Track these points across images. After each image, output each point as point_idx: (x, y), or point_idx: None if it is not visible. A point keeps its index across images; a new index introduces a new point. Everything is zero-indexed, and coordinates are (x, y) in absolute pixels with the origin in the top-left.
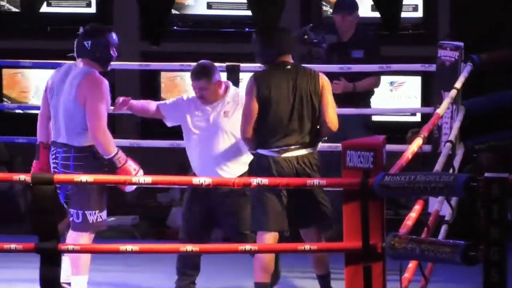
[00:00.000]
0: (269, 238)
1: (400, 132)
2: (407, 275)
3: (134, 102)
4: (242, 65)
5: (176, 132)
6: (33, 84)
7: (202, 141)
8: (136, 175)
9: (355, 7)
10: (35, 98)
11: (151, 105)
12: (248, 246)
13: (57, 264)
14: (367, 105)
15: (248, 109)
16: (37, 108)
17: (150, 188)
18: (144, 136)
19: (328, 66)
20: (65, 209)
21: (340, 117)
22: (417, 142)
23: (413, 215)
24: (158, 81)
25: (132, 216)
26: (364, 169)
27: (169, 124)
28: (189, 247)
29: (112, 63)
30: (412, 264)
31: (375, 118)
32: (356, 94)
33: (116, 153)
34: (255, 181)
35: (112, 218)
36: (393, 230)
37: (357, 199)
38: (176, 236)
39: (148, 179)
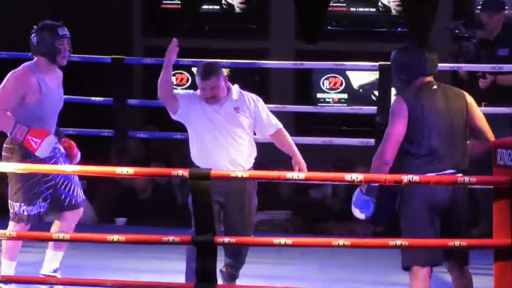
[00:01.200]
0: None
1: None
2: None
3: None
4: None
5: (329, 130)
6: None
7: (216, 137)
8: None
9: (502, 6)
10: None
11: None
12: (398, 241)
13: (213, 256)
14: None
15: (395, 131)
16: None
17: (303, 184)
18: (299, 133)
19: (480, 66)
20: None
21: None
22: None
23: None
24: (312, 80)
25: (285, 211)
26: None
27: (175, 116)
28: (340, 241)
29: (267, 62)
30: None
31: None
32: (501, 93)
33: (14, 127)
34: (406, 178)
35: (266, 213)
36: None
37: (507, 197)
38: (329, 230)
39: (302, 175)
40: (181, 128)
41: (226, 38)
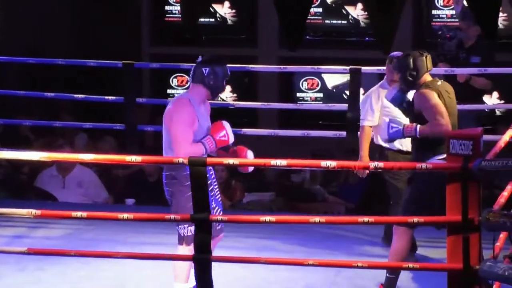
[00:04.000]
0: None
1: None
2: (498, 244)
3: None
4: (363, 68)
5: (307, 124)
6: None
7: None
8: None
9: None
10: None
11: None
12: (366, 218)
13: (209, 232)
14: (481, 102)
15: (444, 109)
16: None
17: (285, 169)
18: (282, 127)
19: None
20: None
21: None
22: (509, 133)
23: (505, 194)
24: (293, 81)
25: (270, 192)
26: (465, 155)
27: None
28: (317, 219)
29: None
30: (503, 235)
31: None
32: (470, 92)
33: (205, 147)
34: (372, 164)
35: (254, 195)
36: (488, 206)
37: (458, 181)
38: (307, 209)
39: (284, 162)
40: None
41: (220, 46)
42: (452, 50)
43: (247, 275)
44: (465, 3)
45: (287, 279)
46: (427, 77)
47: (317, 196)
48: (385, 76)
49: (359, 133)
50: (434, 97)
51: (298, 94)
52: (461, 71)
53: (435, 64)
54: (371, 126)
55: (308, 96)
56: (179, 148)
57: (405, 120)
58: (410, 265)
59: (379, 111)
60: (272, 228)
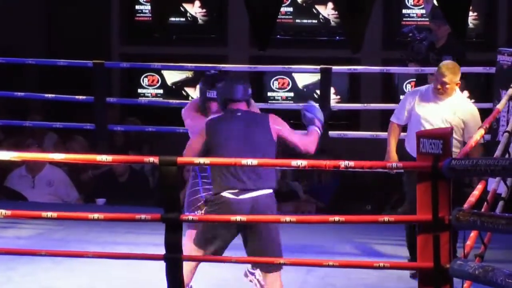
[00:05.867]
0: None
1: None
2: (469, 242)
3: None
4: (333, 67)
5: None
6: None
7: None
8: None
9: None
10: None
11: None
12: (337, 218)
13: (179, 232)
14: None
15: None
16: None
17: None
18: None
19: (407, 68)
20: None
21: None
22: (480, 132)
23: (475, 193)
24: (263, 81)
25: None
26: (435, 154)
27: None
28: (287, 218)
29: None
30: (473, 234)
31: None
32: None
33: None
34: (343, 163)
35: None
36: (458, 205)
37: (428, 180)
38: (279, 208)
39: (255, 161)
40: (153, 122)
41: (190, 45)
42: (422, 52)
43: (218, 273)
44: (435, 2)
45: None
46: None
47: (295, 192)
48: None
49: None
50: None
51: (269, 94)
52: (431, 70)
53: (405, 64)
54: (398, 125)
55: (279, 96)
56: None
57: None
58: (381, 264)
59: (408, 112)
60: None
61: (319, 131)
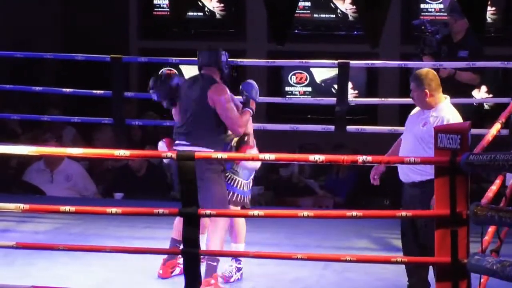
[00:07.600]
0: None
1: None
2: (487, 237)
3: None
4: (351, 62)
5: (296, 118)
6: None
7: None
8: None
9: None
10: None
11: None
12: (354, 212)
13: (197, 226)
14: (470, 96)
15: None
16: None
17: (273, 163)
18: (271, 121)
19: (424, 63)
20: None
21: None
22: (496, 127)
23: (493, 188)
24: (281, 75)
25: (258, 186)
26: (453, 149)
27: None
28: (305, 213)
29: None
30: (491, 229)
31: None
32: (457, 87)
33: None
34: (360, 158)
35: None
36: (476, 200)
37: (446, 174)
38: (296, 203)
39: (272, 156)
40: (170, 117)
41: (208, 40)
42: (433, 45)
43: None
44: None
45: (276, 273)
46: None
47: (312, 189)
48: None
49: None
50: None
51: (287, 88)
52: (449, 65)
53: (420, 58)
54: None
55: (297, 90)
56: None
57: None
58: (399, 258)
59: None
60: (261, 222)
61: (251, 112)
